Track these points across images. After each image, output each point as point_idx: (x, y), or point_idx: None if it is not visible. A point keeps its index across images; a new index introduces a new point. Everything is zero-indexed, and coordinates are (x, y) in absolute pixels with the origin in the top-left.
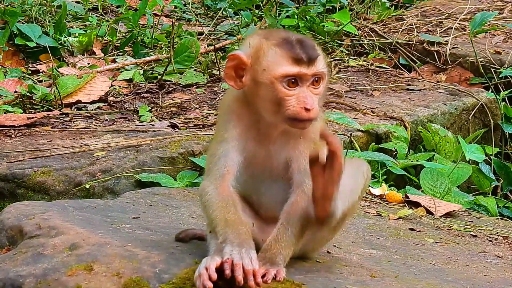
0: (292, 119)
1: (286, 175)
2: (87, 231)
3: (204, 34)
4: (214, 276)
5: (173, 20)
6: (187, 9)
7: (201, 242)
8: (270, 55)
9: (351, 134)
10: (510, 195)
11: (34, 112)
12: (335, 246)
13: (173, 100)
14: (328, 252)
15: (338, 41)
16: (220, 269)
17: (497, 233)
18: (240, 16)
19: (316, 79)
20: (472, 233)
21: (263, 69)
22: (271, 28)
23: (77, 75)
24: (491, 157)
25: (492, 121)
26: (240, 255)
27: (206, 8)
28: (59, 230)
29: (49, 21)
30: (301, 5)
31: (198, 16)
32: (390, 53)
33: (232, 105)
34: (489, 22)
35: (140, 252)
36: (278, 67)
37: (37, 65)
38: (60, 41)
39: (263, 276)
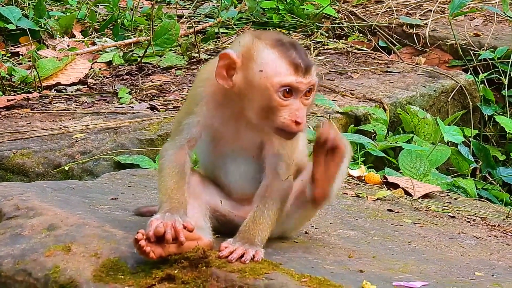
0: (280, 130)
1: (258, 156)
2: (66, 212)
3: (184, 16)
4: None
5: (152, 2)
6: None
7: None
8: (265, 56)
9: (330, 115)
10: (489, 177)
11: (14, 95)
12: (313, 227)
13: (152, 82)
14: (306, 232)
15: (318, 24)
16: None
17: (475, 214)
18: None
19: (309, 89)
20: (450, 214)
21: (259, 70)
22: (253, 12)
23: (57, 58)
24: (470, 139)
25: (471, 103)
26: (163, 218)
27: None
28: (37, 211)
29: (28, 4)
30: None
31: None
32: (369, 36)
33: (209, 82)
34: (468, 5)
35: (118, 232)
36: (277, 73)
37: (16, 47)
38: (40, 24)
39: (241, 256)
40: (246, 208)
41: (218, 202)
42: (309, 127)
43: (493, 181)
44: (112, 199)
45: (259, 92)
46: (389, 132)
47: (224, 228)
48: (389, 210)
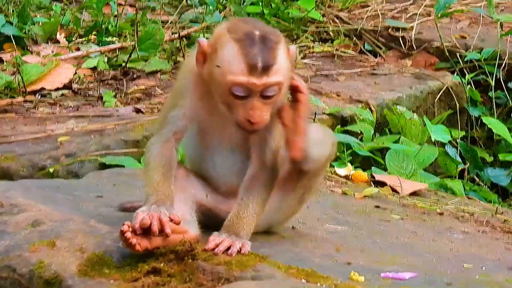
0: (237, 124)
1: (244, 147)
2: (50, 208)
3: (169, 22)
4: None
5: (136, 6)
6: None
7: None
8: (226, 51)
9: (315, 115)
10: (476, 178)
11: None
12: (300, 222)
13: (137, 86)
14: (293, 227)
15: (303, 28)
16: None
17: (464, 210)
18: (205, 5)
19: (269, 90)
20: (438, 210)
21: (217, 64)
22: (240, 17)
23: (41, 63)
24: (458, 140)
25: (458, 105)
26: (149, 210)
27: None
28: (21, 207)
29: (12, 11)
30: None
31: (163, 5)
32: (355, 39)
33: (192, 74)
34: (454, 7)
35: (103, 227)
36: (231, 71)
37: (0, 54)
38: (24, 30)
39: (228, 249)
40: (232, 202)
41: (204, 196)
42: None
43: (481, 183)
44: (97, 196)
45: (217, 86)
46: (376, 133)
47: (211, 222)
48: (377, 206)
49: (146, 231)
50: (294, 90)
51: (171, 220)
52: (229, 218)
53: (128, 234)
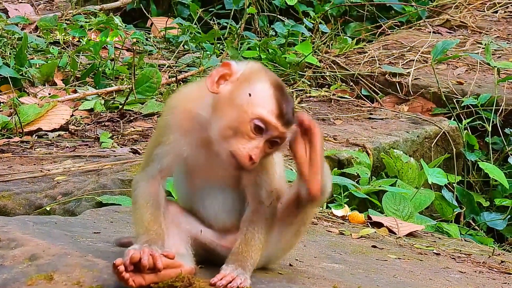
0: (232, 155)
1: (235, 186)
2: (47, 243)
3: (166, 66)
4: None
5: (134, 48)
6: (148, 42)
7: None
8: (261, 87)
9: None
10: (472, 223)
11: None
12: (297, 260)
13: (134, 128)
14: (290, 265)
15: (300, 72)
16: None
17: (460, 251)
18: (202, 49)
19: (277, 140)
20: (435, 251)
21: (249, 93)
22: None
23: (38, 104)
24: (454, 184)
25: (454, 149)
26: (140, 248)
27: (168, 42)
28: (19, 242)
29: (10, 53)
30: (262, 37)
31: (160, 49)
32: (352, 85)
33: (177, 109)
34: (451, 53)
35: (100, 262)
36: (262, 106)
37: None
38: (21, 72)
39: (230, 282)
40: (228, 237)
41: (198, 232)
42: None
43: (476, 227)
44: (95, 233)
45: (235, 111)
46: (373, 176)
47: (207, 256)
48: (374, 246)
49: (137, 267)
50: (303, 125)
51: (165, 256)
52: (237, 246)
53: (121, 268)
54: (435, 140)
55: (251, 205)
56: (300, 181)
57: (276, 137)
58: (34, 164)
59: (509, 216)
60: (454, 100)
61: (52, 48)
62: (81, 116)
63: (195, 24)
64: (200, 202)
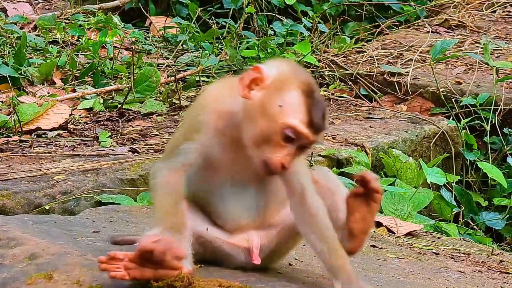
0: (264, 162)
1: (258, 184)
2: (47, 242)
3: (165, 65)
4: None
5: (133, 47)
6: (147, 42)
7: None
8: (292, 96)
9: (311, 159)
10: (471, 223)
11: None
12: (296, 259)
13: (133, 127)
14: (289, 264)
15: None
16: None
17: (459, 251)
18: (201, 48)
19: (311, 146)
20: (434, 250)
21: (280, 104)
22: (234, 60)
23: (37, 103)
24: (453, 184)
25: (453, 149)
26: (162, 235)
27: (166, 41)
28: (18, 241)
29: (8, 52)
30: (261, 37)
31: (159, 49)
32: (351, 84)
33: (212, 108)
34: (450, 53)
35: None
36: (293, 116)
37: None
38: (20, 71)
39: None
40: (236, 235)
41: (204, 229)
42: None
43: (475, 227)
44: (94, 232)
45: (266, 121)
46: None
47: (209, 254)
48: (373, 246)
49: (145, 257)
50: (368, 186)
51: (176, 257)
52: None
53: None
54: (434, 140)
55: (295, 196)
56: (346, 234)
57: (307, 144)
58: (33, 163)
59: (508, 215)
60: (453, 100)
61: (51, 47)
62: (80, 115)
63: (194, 23)
64: (219, 199)
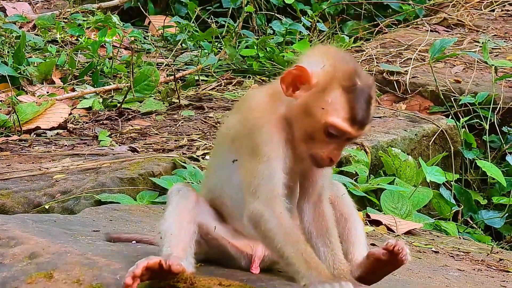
0: (313, 158)
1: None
2: (47, 241)
3: (164, 64)
4: (139, 272)
5: (132, 46)
6: (146, 41)
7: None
8: (335, 97)
9: None
10: (470, 221)
11: None
12: None
13: (132, 126)
14: None
15: None
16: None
17: (459, 249)
18: (200, 47)
19: (353, 139)
20: (433, 249)
21: (322, 107)
22: (233, 60)
23: (36, 103)
24: (452, 183)
25: (452, 148)
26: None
27: (166, 40)
28: (18, 240)
29: (8, 51)
30: (260, 36)
31: (158, 48)
32: None
33: (272, 115)
34: (449, 52)
35: (100, 260)
36: (335, 115)
37: None
38: (19, 70)
39: None
40: (242, 239)
41: (212, 227)
42: None
43: (474, 225)
44: (94, 231)
45: (311, 121)
46: (371, 175)
47: (215, 253)
48: (372, 244)
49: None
50: (394, 252)
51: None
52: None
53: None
54: (433, 139)
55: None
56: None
57: (352, 138)
58: (33, 163)
59: (507, 214)
60: (452, 99)
61: (50, 46)
62: (79, 115)
63: (193, 22)
64: (237, 202)
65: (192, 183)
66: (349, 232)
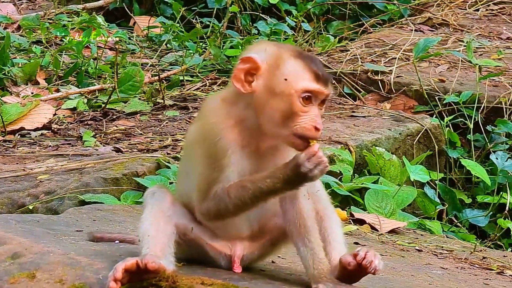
0: (298, 136)
1: None
2: (30, 241)
3: (149, 64)
4: (119, 275)
5: (116, 47)
6: (131, 41)
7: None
8: (291, 65)
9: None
10: (455, 220)
11: None
12: (279, 257)
13: (117, 127)
14: (272, 262)
15: None
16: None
17: (442, 247)
18: (184, 48)
19: (323, 100)
20: (417, 247)
21: (284, 78)
22: (218, 60)
23: (21, 103)
24: (436, 182)
25: (436, 147)
26: None
27: (150, 41)
28: (1, 240)
29: None
30: (245, 36)
31: (143, 48)
32: (334, 82)
33: (226, 121)
34: (433, 52)
35: (83, 259)
36: (300, 80)
37: None
38: (4, 71)
39: None
40: (220, 241)
41: (189, 228)
42: None
43: (459, 224)
44: (77, 231)
45: (281, 99)
46: (355, 174)
47: (195, 253)
48: (356, 243)
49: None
50: (361, 264)
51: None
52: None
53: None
54: (417, 138)
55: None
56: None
57: (324, 98)
58: (17, 163)
59: (491, 213)
60: (436, 98)
61: (35, 47)
62: (64, 115)
63: (178, 23)
64: None
65: (176, 183)
66: (325, 231)
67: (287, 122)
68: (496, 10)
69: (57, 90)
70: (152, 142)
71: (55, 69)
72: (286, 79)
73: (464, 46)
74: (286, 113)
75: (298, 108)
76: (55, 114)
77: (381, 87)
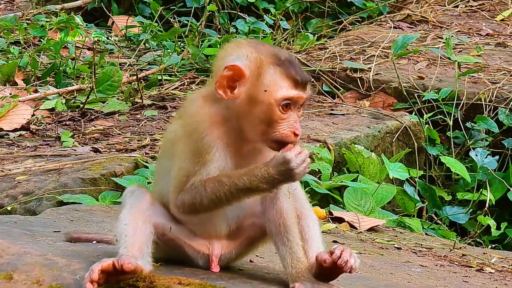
0: (277, 142)
1: None
2: (7, 242)
3: (127, 64)
4: (95, 276)
5: (94, 47)
6: (109, 41)
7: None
8: (270, 75)
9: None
10: (435, 217)
11: None
12: (257, 256)
13: (95, 127)
14: (250, 261)
15: None
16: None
17: (422, 245)
18: (163, 47)
19: (305, 103)
20: (396, 245)
21: (264, 89)
22: (196, 59)
23: None
24: (416, 179)
25: (416, 144)
26: None
27: (129, 40)
28: None
29: None
30: (223, 35)
31: (121, 48)
32: (313, 80)
33: (211, 119)
34: (412, 48)
35: (60, 260)
36: (279, 89)
37: None
38: None
39: None
40: (198, 239)
41: (167, 228)
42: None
43: (439, 221)
44: (55, 231)
45: (261, 108)
46: (334, 172)
47: (173, 253)
48: (334, 241)
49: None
50: (336, 263)
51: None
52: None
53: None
54: (397, 135)
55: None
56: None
57: (302, 102)
58: None
59: (471, 210)
60: (415, 95)
61: (13, 48)
62: (42, 116)
63: (156, 22)
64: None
65: (153, 182)
66: (302, 230)
67: (267, 129)
68: (476, 6)
69: (35, 91)
70: (130, 142)
71: (33, 69)
72: (266, 90)
73: (443, 42)
74: (266, 120)
75: (278, 116)
76: (33, 115)
77: (360, 84)
